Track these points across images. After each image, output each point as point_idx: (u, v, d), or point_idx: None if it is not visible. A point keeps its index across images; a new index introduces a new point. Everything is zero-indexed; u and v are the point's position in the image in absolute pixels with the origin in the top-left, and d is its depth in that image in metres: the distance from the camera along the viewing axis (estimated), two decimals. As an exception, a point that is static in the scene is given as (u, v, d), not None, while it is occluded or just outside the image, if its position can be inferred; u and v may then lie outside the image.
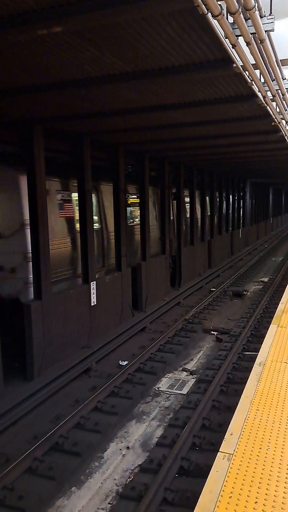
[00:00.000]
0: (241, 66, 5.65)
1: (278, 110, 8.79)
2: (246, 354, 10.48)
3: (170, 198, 17.74)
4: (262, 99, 7.37)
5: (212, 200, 24.19)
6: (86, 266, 11.28)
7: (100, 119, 9.07)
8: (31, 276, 9.59)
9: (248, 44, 5.04)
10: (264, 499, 2.81)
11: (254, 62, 5.81)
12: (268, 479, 3.00)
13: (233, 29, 4.58)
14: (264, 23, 4.85)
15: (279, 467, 3.13)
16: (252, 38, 4.96)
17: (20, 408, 7.82)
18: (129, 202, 14.68)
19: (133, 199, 15.40)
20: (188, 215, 20.54)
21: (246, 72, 5.99)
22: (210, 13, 4.02)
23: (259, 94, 7.15)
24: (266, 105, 7.72)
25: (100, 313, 11.82)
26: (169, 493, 5.66)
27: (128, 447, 7.02)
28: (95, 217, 12.54)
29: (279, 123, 9.54)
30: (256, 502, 2.79)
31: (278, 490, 2.89)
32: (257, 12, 4.49)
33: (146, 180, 14.75)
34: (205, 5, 3.85)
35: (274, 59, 6.33)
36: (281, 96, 8.20)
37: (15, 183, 9.73)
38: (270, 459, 3.23)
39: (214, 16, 4.10)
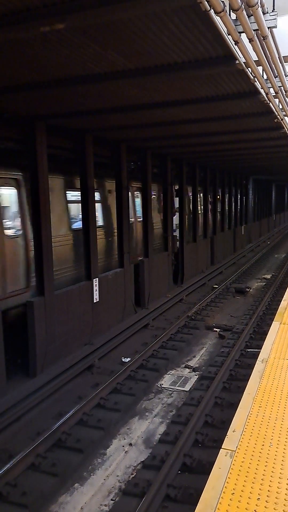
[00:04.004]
0: (243, 62, 5.64)
1: (280, 107, 8.76)
2: (248, 351, 10.48)
3: (172, 195, 17.72)
4: (264, 95, 7.36)
5: (214, 197, 24.16)
6: (89, 262, 11.29)
7: (103, 116, 9.07)
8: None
9: (250, 40, 5.02)
10: (267, 496, 2.81)
11: (257, 59, 5.78)
12: (271, 476, 3.01)
13: (235, 25, 4.56)
14: (267, 20, 4.84)
15: (282, 464, 3.14)
16: (255, 35, 4.94)
17: (23, 405, 7.84)
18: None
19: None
20: (190, 212, 20.51)
21: (249, 68, 5.97)
22: (212, 10, 4.01)
23: (261, 90, 7.13)
24: (268, 102, 7.70)
25: (103, 310, 11.84)
26: (172, 490, 5.68)
27: (130, 444, 7.03)
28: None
29: (281, 119, 9.52)
30: (259, 498, 2.79)
31: (281, 487, 2.90)
32: (259, 9, 4.47)
33: (148, 177, 14.75)
34: (207, 1, 3.84)
35: (276, 56, 6.30)
36: (284, 93, 8.18)
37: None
38: (272, 456, 3.24)
39: (216, 13, 4.09)
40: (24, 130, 9.25)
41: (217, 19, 4.31)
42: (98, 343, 10.89)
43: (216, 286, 18.03)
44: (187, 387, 8.94)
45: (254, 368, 4.85)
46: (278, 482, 2.94)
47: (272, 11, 4.96)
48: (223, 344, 11.29)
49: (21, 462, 6.22)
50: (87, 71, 6.10)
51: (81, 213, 11.45)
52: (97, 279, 11.49)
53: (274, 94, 7.71)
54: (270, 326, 6.40)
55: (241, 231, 30.39)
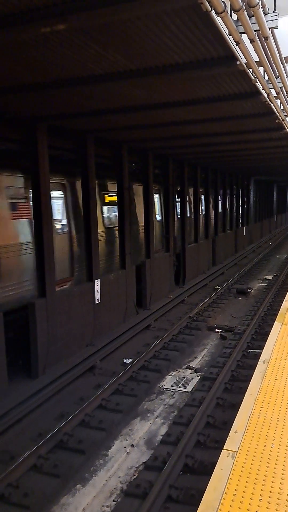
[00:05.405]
0: (244, 63, 5.63)
1: (282, 107, 8.76)
2: (250, 351, 10.47)
3: (174, 196, 17.72)
4: (266, 96, 7.35)
5: (216, 197, 24.16)
6: (90, 263, 11.29)
7: (104, 116, 9.07)
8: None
9: (252, 41, 5.02)
10: (269, 497, 2.81)
11: (258, 60, 5.78)
12: (273, 477, 3.00)
13: (236, 26, 4.56)
14: (268, 20, 4.83)
15: (283, 465, 3.13)
16: (256, 35, 4.94)
17: (25, 406, 7.83)
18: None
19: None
20: (192, 213, 20.50)
21: (250, 69, 5.97)
22: (213, 10, 4.01)
23: (263, 91, 7.12)
24: (270, 102, 7.70)
25: (104, 311, 11.83)
26: (174, 491, 5.67)
27: (132, 445, 7.03)
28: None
29: (283, 120, 9.51)
30: (261, 499, 2.79)
31: (283, 488, 2.89)
32: (260, 9, 4.47)
33: (150, 178, 14.74)
34: (208, 2, 3.84)
35: (278, 56, 6.30)
36: (285, 94, 8.18)
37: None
38: (274, 457, 3.23)
39: (217, 13, 4.09)
40: (25, 131, 9.25)
41: (218, 20, 4.30)
42: (99, 344, 10.88)
43: (217, 287, 18.02)
44: (188, 388, 8.93)
45: (256, 368, 4.85)
46: (280, 483, 2.94)
47: (273, 12, 4.96)
48: (224, 345, 11.28)
49: (23, 463, 6.22)
50: (88, 71, 6.10)
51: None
52: (98, 280, 11.48)
53: (276, 95, 7.71)
54: (272, 327, 6.39)
55: (243, 232, 30.38)
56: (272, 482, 2.95)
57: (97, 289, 11.43)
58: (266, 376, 4.59)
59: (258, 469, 3.08)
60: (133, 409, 8.12)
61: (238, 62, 5.52)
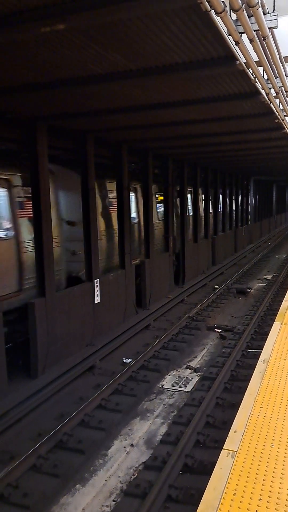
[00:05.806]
0: (244, 63, 5.64)
1: (281, 107, 8.76)
2: (249, 351, 10.47)
3: (173, 195, 17.71)
4: (265, 96, 7.35)
5: (215, 197, 24.16)
6: (90, 263, 11.29)
7: (104, 116, 9.06)
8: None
9: (251, 41, 5.02)
10: (268, 496, 2.81)
11: (257, 59, 5.79)
12: (272, 476, 3.00)
13: (236, 26, 4.57)
14: (268, 20, 4.84)
15: (283, 464, 3.14)
16: (256, 35, 4.94)
17: (24, 406, 7.83)
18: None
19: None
20: (191, 213, 20.51)
21: (250, 69, 5.97)
22: (213, 10, 4.01)
23: (262, 91, 7.13)
24: (269, 102, 7.70)
25: (104, 311, 11.83)
26: (173, 490, 5.67)
27: (132, 445, 7.03)
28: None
29: (282, 120, 9.52)
30: (260, 499, 2.79)
31: (282, 487, 2.90)
32: (260, 9, 4.47)
33: (150, 178, 14.74)
34: (208, 2, 3.84)
35: (277, 56, 6.30)
36: (285, 93, 8.18)
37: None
38: (274, 456, 3.23)
39: (217, 13, 4.09)
40: (25, 131, 9.25)
41: (217, 20, 4.31)
42: (99, 344, 10.88)
43: (217, 286, 18.02)
44: (188, 388, 8.93)
45: (255, 368, 4.85)
46: (280, 483, 2.94)
47: (273, 12, 4.96)
48: (224, 345, 11.28)
49: (23, 463, 6.22)
50: (88, 72, 6.11)
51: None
52: (98, 280, 11.48)
53: (275, 95, 7.71)
54: (271, 327, 6.40)
55: (242, 231, 30.38)
56: (271, 481, 2.95)
57: (97, 289, 11.43)
58: (265, 376, 4.59)
59: (257, 469, 3.09)
60: (133, 409, 8.12)
61: (238, 62, 5.53)
